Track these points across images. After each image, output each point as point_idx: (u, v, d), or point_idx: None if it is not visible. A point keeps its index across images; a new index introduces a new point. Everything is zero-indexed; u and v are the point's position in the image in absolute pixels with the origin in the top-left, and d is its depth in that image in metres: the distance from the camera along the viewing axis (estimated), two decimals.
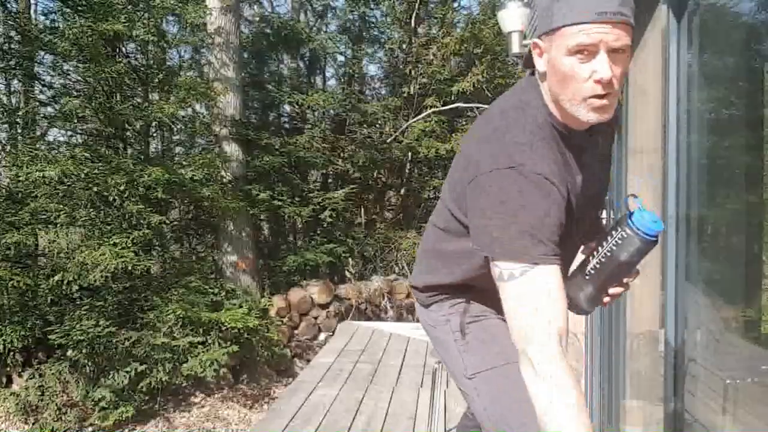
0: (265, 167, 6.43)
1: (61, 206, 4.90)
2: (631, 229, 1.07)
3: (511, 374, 1.00)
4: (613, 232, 1.10)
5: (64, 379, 4.76)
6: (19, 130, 5.99)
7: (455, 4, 8.23)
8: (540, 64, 1.03)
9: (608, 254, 1.11)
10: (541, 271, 0.93)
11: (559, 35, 0.96)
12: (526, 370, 0.93)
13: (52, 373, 4.71)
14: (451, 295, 1.25)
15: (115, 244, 4.74)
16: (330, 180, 8.07)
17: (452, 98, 6.91)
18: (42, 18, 6.52)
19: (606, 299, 1.18)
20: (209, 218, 6.47)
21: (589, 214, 1.17)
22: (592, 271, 1.14)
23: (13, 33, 5.62)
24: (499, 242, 0.96)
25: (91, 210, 5.07)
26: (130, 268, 4.73)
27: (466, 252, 1.08)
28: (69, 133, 5.89)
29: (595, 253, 1.14)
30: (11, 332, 4.52)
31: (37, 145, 5.37)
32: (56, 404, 4.64)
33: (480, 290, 1.20)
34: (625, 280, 1.15)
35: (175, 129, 6.78)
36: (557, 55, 0.97)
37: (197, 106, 6.84)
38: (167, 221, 5.57)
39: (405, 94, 7.69)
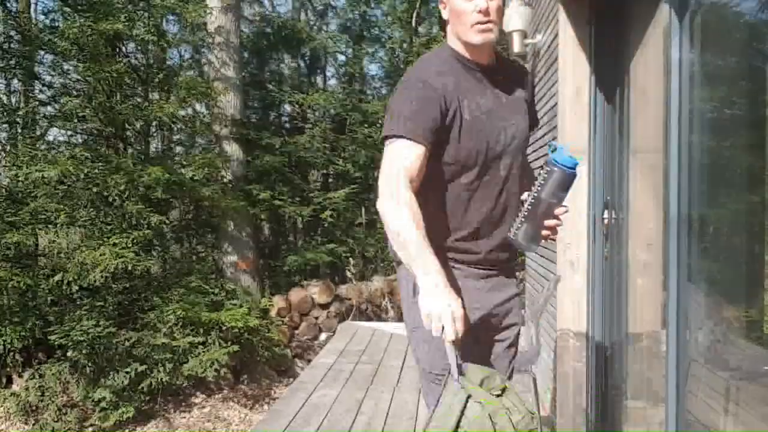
0: (266, 167, 6.43)
1: (61, 206, 4.90)
2: (552, 164, 1.31)
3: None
4: (540, 173, 1.33)
5: (65, 379, 4.76)
6: (19, 130, 5.99)
7: None
8: (445, 14, 1.42)
9: (537, 192, 1.33)
10: (405, 143, 1.29)
11: None
12: (386, 202, 1.27)
13: (53, 374, 4.70)
14: None
15: (115, 244, 4.74)
16: (331, 180, 8.06)
17: None
18: (42, 17, 6.53)
19: (545, 232, 1.38)
20: (209, 218, 6.47)
21: (511, 151, 1.42)
22: (526, 212, 1.35)
23: (13, 32, 5.62)
24: (387, 124, 1.34)
25: (91, 210, 5.07)
26: (130, 268, 4.72)
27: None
28: (69, 132, 5.89)
29: (527, 196, 1.37)
30: (11, 332, 4.51)
31: (37, 145, 5.37)
32: (56, 405, 4.64)
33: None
34: (556, 212, 1.35)
35: (176, 129, 6.78)
36: (453, 2, 1.37)
37: (197, 106, 6.84)
38: (167, 221, 5.57)
39: None
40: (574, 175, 1.32)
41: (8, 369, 4.98)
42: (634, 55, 2.15)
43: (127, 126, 5.71)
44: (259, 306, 5.69)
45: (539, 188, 1.33)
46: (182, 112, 6.10)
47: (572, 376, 2.48)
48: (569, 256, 2.49)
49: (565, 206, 1.36)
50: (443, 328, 1.15)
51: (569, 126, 2.48)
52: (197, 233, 6.86)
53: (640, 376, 2.15)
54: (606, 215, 2.35)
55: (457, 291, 1.27)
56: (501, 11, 1.37)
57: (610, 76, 2.36)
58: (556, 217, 1.35)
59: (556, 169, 1.31)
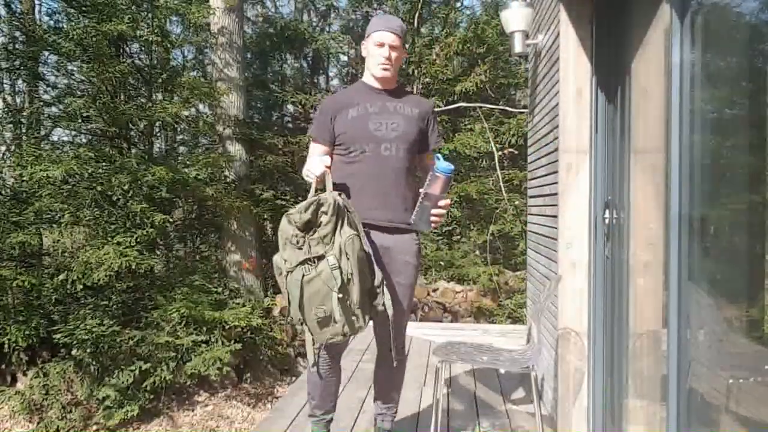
0: (269, 167, 6.45)
1: (66, 206, 4.92)
2: (434, 171, 1.98)
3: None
4: (428, 177, 2.00)
5: (69, 378, 4.79)
6: (24, 130, 6.02)
7: (458, 4, 8.23)
8: (364, 53, 2.17)
9: (426, 191, 1.99)
10: (312, 143, 2.16)
11: (370, 37, 2.11)
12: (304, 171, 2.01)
13: (57, 372, 4.73)
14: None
15: (119, 243, 4.76)
16: None
17: (455, 98, 6.91)
18: (46, 18, 6.57)
19: (433, 219, 2.01)
20: (213, 218, 6.49)
21: (390, 140, 2.06)
22: (420, 204, 2.00)
23: (17, 33, 5.65)
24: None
25: (96, 209, 5.10)
26: (134, 267, 4.74)
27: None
28: (73, 132, 5.91)
29: (421, 193, 2.00)
30: (16, 331, 4.54)
31: (42, 145, 5.40)
32: (61, 403, 4.66)
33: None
34: (441, 204, 1.99)
35: (179, 129, 6.81)
36: (370, 47, 2.12)
37: (201, 106, 6.86)
38: (171, 220, 5.59)
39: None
40: (450, 178, 1.99)
41: (13, 367, 5.01)
42: (635, 56, 2.16)
43: (130, 126, 5.73)
44: (262, 305, 5.71)
45: (427, 188, 1.98)
46: (186, 113, 6.12)
47: (573, 376, 2.49)
48: (570, 256, 2.50)
49: (448, 199, 2.03)
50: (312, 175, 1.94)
51: (570, 126, 2.49)
52: (200, 232, 6.88)
53: (640, 376, 2.15)
54: (607, 215, 2.36)
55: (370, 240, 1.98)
56: (399, 60, 2.12)
57: (611, 76, 2.36)
58: (443, 207, 2.00)
59: (438, 174, 1.97)
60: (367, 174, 2.04)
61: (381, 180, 2.04)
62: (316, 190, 1.94)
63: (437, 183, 1.95)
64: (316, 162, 1.94)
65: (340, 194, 1.88)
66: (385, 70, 2.07)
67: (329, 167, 1.94)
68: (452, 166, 1.97)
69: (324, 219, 1.81)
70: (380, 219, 2.05)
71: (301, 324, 1.87)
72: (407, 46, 8.09)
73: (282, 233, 1.85)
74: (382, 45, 2.07)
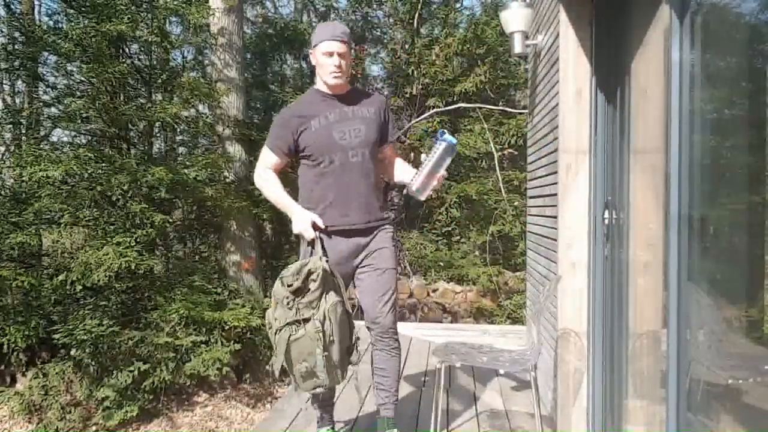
0: None
1: (65, 206, 4.91)
2: (441, 140, 2.13)
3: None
4: (432, 147, 2.14)
5: (68, 378, 4.78)
6: (23, 131, 6.02)
7: (458, 5, 8.22)
8: (313, 61, 2.24)
9: (430, 158, 2.12)
10: (266, 150, 2.30)
11: (318, 47, 2.19)
12: (258, 177, 2.34)
13: (56, 373, 4.73)
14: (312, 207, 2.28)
15: (118, 244, 4.75)
16: None
17: (455, 99, 6.91)
18: (46, 19, 6.58)
19: (430, 188, 2.17)
20: (212, 218, 6.48)
21: (356, 146, 2.20)
22: (421, 170, 2.13)
23: (17, 34, 5.65)
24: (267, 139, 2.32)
25: (95, 210, 5.09)
26: (133, 267, 4.74)
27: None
28: (73, 133, 5.91)
29: (421, 163, 2.14)
30: (15, 332, 4.53)
31: (41, 146, 5.39)
32: (60, 404, 4.66)
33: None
34: (439, 175, 2.16)
35: (179, 129, 6.80)
36: (319, 57, 2.19)
37: (200, 107, 6.85)
38: (171, 221, 5.59)
39: (407, 95, 7.69)
40: (454, 150, 2.14)
41: (12, 368, 5.01)
42: (634, 56, 2.16)
43: (130, 126, 5.72)
44: (262, 305, 5.70)
45: (432, 155, 2.11)
46: (185, 113, 6.11)
47: (573, 376, 2.49)
48: (570, 256, 2.50)
49: (445, 173, 2.19)
50: (303, 233, 2.14)
51: (570, 126, 2.49)
52: (200, 233, 6.88)
53: (640, 376, 2.15)
54: (607, 215, 2.36)
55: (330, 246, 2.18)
56: (348, 66, 2.23)
57: (611, 76, 2.36)
58: (440, 179, 2.16)
59: (444, 142, 2.10)
60: (340, 183, 2.19)
61: (354, 186, 2.20)
62: (308, 244, 2.16)
63: (443, 150, 2.11)
64: (307, 224, 2.13)
65: (327, 260, 2.05)
66: (337, 78, 2.18)
67: (320, 230, 2.14)
68: (454, 139, 2.17)
69: (312, 286, 1.97)
70: (359, 222, 2.22)
71: (285, 373, 2.09)
72: (407, 46, 8.12)
73: (275, 294, 2.02)
74: (330, 54, 2.15)
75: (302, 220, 2.15)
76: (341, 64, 2.16)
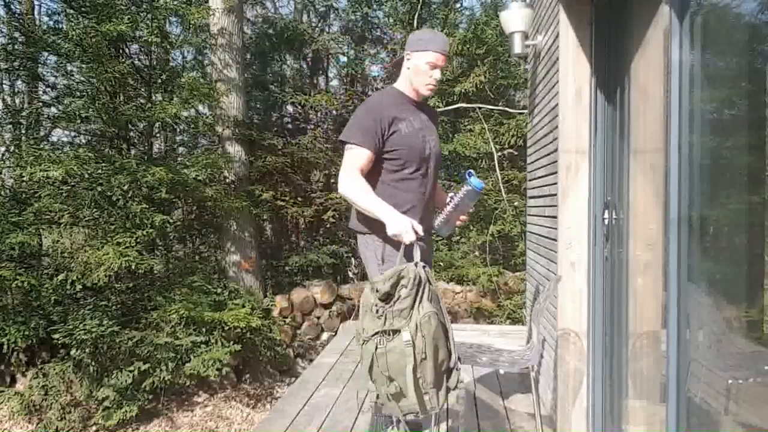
0: (268, 167, 6.45)
1: (65, 206, 4.91)
2: (469, 184, 2.12)
3: None
4: (461, 187, 2.15)
5: (68, 378, 4.78)
6: (23, 131, 6.01)
7: (457, 5, 8.23)
8: (408, 64, 2.12)
9: (457, 199, 2.14)
10: (358, 149, 2.02)
11: (425, 53, 2.08)
12: (344, 186, 2.02)
13: (56, 373, 4.72)
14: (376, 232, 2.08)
15: (118, 244, 4.75)
16: (333, 180, 8.07)
17: (455, 99, 6.91)
18: (45, 19, 6.57)
19: (452, 226, 2.19)
20: (212, 218, 6.48)
21: (433, 157, 2.16)
22: (448, 212, 2.17)
23: (17, 34, 5.64)
24: (347, 132, 2.06)
25: (95, 210, 5.09)
26: (133, 267, 4.74)
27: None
28: (72, 133, 5.91)
29: (448, 202, 2.18)
30: (15, 332, 4.53)
31: (41, 146, 5.39)
32: (60, 404, 4.66)
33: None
34: (463, 216, 2.19)
35: (178, 129, 6.80)
36: (420, 62, 2.09)
37: (200, 107, 6.85)
38: (170, 221, 5.59)
39: None
40: (479, 192, 2.14)
41: (12, 368, 5.01)
42: (634, 56, 2.16)
43: (130, 127, 5.72)
44: (262, 306, 5.70)
45: (460, 198, 2.13)
46: (185, 113, 6.11)
47: (573, 376, 2.49)
48: (570, 256, 2.50)
49: (469, 211, 2.23)
50: (404, 234, 1.89)
51: (570, 126, 2.49)
52: (200, 233, 6.88)
53: (640, 376, 2.15)
54: (606, 215, 2.36)
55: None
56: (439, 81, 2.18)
57: (610, 76, 2.36)
58: (465, 217, 2.20)
59: (470, 187, 2.12)
60: (421, 191, 2.11)
61: (429, 196, 2.16)
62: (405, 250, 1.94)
63: (469, 195, 2.13)
64: (408, 225, 1.90)
65: (424, 267, 1.85)
66: (431, 91, 2.13)
67: (419, 237, 1.92)
68: (483, 183, 2.16)
69: (403, 293, 1.77)
70: (426, 232, 2.12)
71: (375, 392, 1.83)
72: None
73: (364, 300, 1.85)
74: (434, 67, 2.07)
75: (402, 222, 1.91)
76: (437, 80, 2.11)
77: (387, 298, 1.78)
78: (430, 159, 2.13)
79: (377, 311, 1.78)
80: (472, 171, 2.19)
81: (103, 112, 5.29)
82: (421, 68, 2.08)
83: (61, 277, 4.62)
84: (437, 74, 2.09)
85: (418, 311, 1.76)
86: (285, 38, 7.62)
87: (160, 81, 5.85)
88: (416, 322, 1.74)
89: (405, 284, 1.78)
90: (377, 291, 1.79)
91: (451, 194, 2.19)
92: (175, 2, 5.65)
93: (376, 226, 2.03)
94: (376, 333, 1.76)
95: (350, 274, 7.53)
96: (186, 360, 4.83)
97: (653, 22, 1.96)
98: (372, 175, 2.07)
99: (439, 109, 7.04)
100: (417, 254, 1.88)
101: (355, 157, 2.02)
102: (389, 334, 1.75)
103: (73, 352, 4.67)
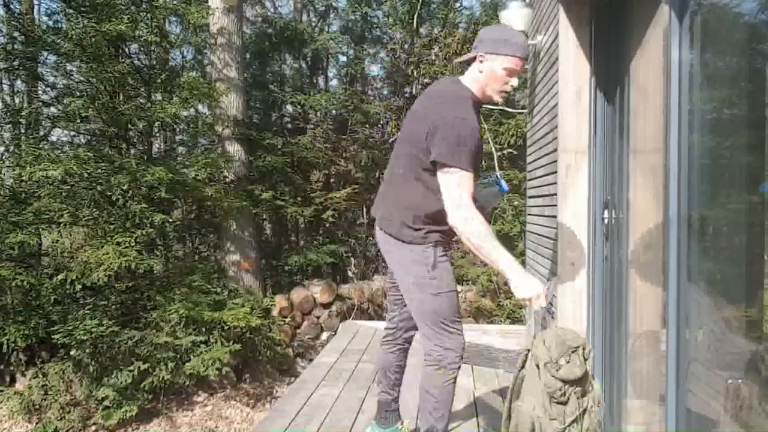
0: (268, 167, 6.45)
1: (65, 206, 4.91)
2: (501, 188, 2.10)
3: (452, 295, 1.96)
4: (490, 190, 2.11)
5: (68, 378, 4.78)
6: (23, 130, 6.01)
7: (457, 5, 8.23)
8: (481, 66, 1.89)
9: (481, 199, 2.01)
10: (466, 173, 1.79)
11: (505, 58, 1.86)
12: (461, 215, 1.77)
13: (56, 373, 4.73)
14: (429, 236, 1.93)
15: (118, 244, 4.75)
16: (332, 180, 8.07)
17: None
18: (45, 19, 6.57)
19: None
20: (212, 218, 6.49)
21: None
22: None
23: (16, 34, 5.64)
24: (454, 156, 1.78)
25: (95, 209, 5.09)
26: (133, 267, 4.74)
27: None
28: (72, 133, 5.91)
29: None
30: (15, 331, 4.53)
31: (41, 145, 5.39)
32: (59, 403, 4.66)
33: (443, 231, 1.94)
34: (485, 212, 1.95)
35: (178, 129, 6.80)
36: (497, 67, 1.87)
37: (200, 107, 6.85)
38: (170, 221, 5.59)
39: (407, 95, 7.69)
40: (502, 194, 2.14)
41: (12, 368, 5.01)
42: (634, 56, 2.16)
43: (130, 126, 5.72)
44: (261, 305, 5.70)
45: (479, 193, 2.03)
46: (185, 113, 6.11)
47: None
48: (570, 256, 2.50)
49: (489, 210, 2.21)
50: (534, 300, 1.70)
51: (570, 126, 2.49)
52: (200, 233, 6.88)
53: (640, 376, 2.15)
54: (606, 215, 2.36)
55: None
56: None
57: (610, 76, 2.36)
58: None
59: (500, 191, 2.10)
60: None
61: None
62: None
63: (488, 194, 2.11)
64: (541, 289, 1.71)
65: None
66: (502, 98, 1.96)
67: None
68: (507, 187, 2.17)
69: (580, 365, 1.55)
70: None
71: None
72: (406, 46, 8.13)
73: (530, 384, 1.55)
74: (513, 74, 1.88)
75: (535, 285, 1.70)
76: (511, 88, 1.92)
77: (579, 380, 1.51)
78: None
79: (561, 395, 1.50)
80: (498, 175, 2.20)
81: (102, 111, 5.29)
82: (497, 74, 1.87)
83: (60, 276, 4.62)
84: (515, 82, 1.89)
85: (590, 385, 1.54)
86: (284, 38, 7.62)
87: (159, 81, 5.85)
88: (591, 397, 1.53)
89: (585, 356, 1.56)
90: (563, 377, 1.48)
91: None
92: (175, 2, 5.65)
93: (427, 235, 1.90)
94: (574, 420, 1.49)
95: (350, 274, 7.53)
96: (186, 359, 4.84)
97: (653, 22, 1.96)
98: (424, 189, 1.86)
99: None
100: (549, 320, 1.77)
101: (467, 184, 1.78)
102: (577, 420, 1.50)
103: (72, 351, 4.67)
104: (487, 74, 1.88)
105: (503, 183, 2.11)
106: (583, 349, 1.53)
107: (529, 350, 1.61)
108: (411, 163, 1.90)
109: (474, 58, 1.90)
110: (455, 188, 1.76)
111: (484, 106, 2.03)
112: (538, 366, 1.51)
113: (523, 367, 1.60)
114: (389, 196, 2.02)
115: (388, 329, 2.31)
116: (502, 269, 1.73)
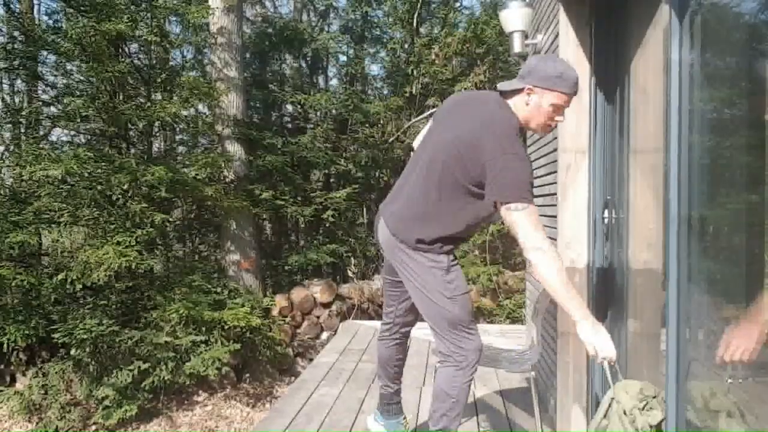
0: (268, 167, 6.45)
1: (65, 205, 4.92)
2: None
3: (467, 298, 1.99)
4: None
5: (68, 377, 4.79)
6: (23, 130, 6.02)
7: (457, 4, 8.24)
8: (529, 99, 1.86)
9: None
10: (533, 207, 1.75)
11: (553, 94, 1.82)
12: (541, 256, 1.73)
13: (56, 372, 4.73)
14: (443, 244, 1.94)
15: (118, 243, 4.76)
16: (332, 180, 8.08)
17: None
18: (45, 18, 6.57)
19: None
20: (212, 217, 6.49)
21: None
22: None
23: (16, 33, 5.64)
24: (517, 192, 1.74)
25: (95, 209, 5.09)
26: (133, 267, 4.74)
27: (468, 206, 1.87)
28: (72, 132, 5.91)
29: None
30: (15, 331, 4.53)
31: (41, 145, 5.39)
32: (60, 403, 4.66)
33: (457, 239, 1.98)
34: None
35: (178, 129, 6.80)
36: (544, 102, 1.84)
37: (200, 106, 6.85)
38: (170, 220, 5.59)
39: (407, 94, 7.69)
40: None
41: (12, 367, 5.01)
42: (634, 56, 2.16)
43: (130, 126, 5.73)
44: (261, 305, 5.71)
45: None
46: (185, 112, 6.11)
47: (573, 376, 2.49)
48: (569, 255, 2.50)
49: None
50: (599, 353, 1.71)
51: (570, 126, 2.49)
52: (200, 232, 6.89)
53: (640, 376, 2.15)
54: (606, 215, 2.36)
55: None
56: None
57: (610, 76, 2.36)
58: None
59: None
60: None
61: None
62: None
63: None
64: (611, 347, 1.73)
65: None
66: (546, 132, 1.99)
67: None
68: None
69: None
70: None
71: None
72: (406, 45, 8.13)
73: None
74: (560, 110, 1.85)
75: (606, 340, 1.73)
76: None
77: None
78: None
79: None
80: None
81: (102, 111, 5.29)
82: (543, 108, 1.84)
83: (60, 276, 4.63)
84: (560, 118, 1.87)
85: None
86: (284, 37, 7.62)
87: (159, 80, 5.85)
88: None
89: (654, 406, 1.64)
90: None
91: None
92: (175, 1, 5.65)
93: (442, 247, 1.92)
94: None
95: (350, 273, 7.54)
96: (186, 359, 4.84)
97: (653, 22, 1.96)
98: (460, 207, 1.87)
99: (437, 109, 7.05)
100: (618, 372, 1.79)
101: (537, 218, 1.76)
102: None
103: (72, 351, 4.67)
104: (533, 107, 1.85)
105: None
106: (648, 395, 1.66)
107: (612, 398, 1.71)
108: (450, 185, 1.86)
109: (522, 90, 1.86)
110: (525, 225, 1.74)
111: None
112: (625, 413, 1.65)
113: (605, 416, 1.70)
114: (411, 206, 1.95)
115: (384, 324, 2.33)
116: (574, 315, 1.74)
